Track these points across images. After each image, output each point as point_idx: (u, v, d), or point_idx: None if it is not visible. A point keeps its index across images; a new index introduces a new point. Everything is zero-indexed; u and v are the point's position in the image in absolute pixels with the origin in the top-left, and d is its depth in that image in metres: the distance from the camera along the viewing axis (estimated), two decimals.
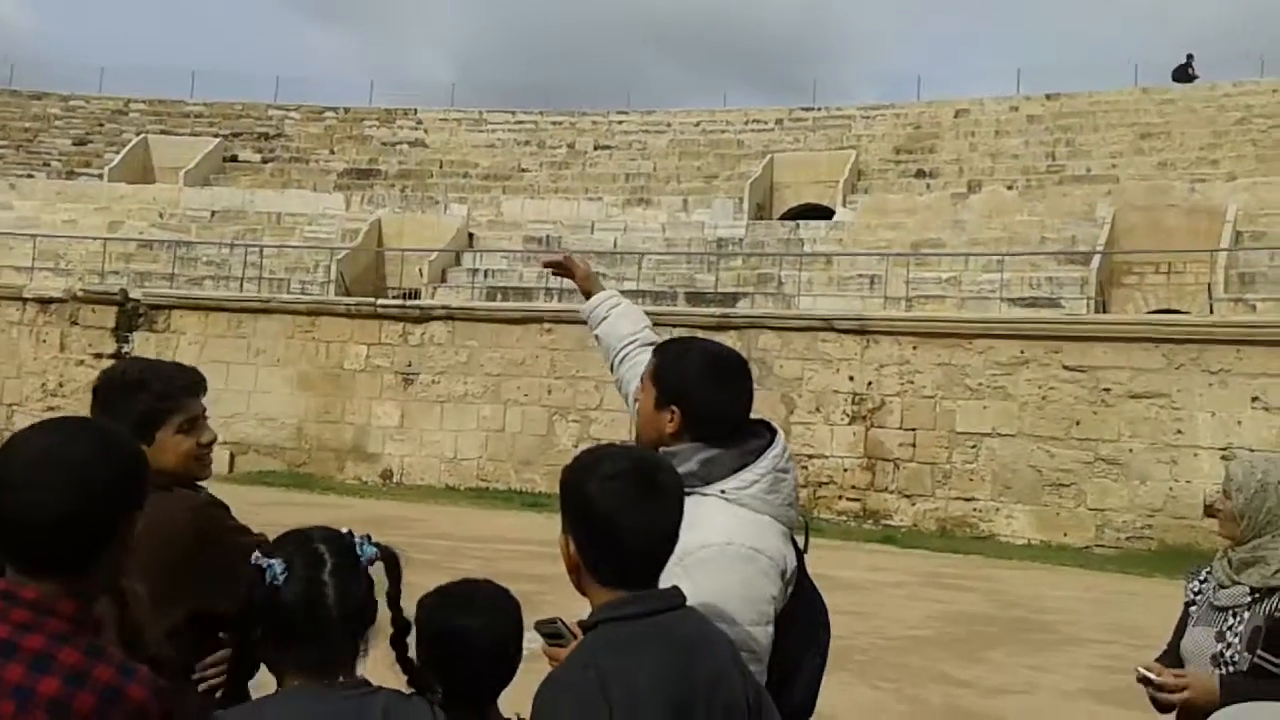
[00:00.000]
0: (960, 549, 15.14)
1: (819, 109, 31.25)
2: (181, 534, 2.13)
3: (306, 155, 31.09)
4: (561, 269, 3.06)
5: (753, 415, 2.37)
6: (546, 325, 19.32)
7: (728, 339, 18.62)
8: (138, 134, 31.12)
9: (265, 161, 30.80)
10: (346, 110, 33.19)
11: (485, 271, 22.94)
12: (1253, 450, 12.90)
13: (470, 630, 2.07)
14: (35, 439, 1.53)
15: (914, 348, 17.33)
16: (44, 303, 21.32)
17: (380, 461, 19.92)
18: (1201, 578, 2.95)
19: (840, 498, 17.55)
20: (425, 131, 31.98)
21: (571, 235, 24.45)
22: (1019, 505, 16.31)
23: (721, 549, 2.13)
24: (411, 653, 1.80)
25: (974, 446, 16.72)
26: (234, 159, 30.79)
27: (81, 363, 21.15)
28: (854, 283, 20.63)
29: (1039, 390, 16.36)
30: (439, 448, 19.53)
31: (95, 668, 1.46)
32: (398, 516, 15.19)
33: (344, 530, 1.74)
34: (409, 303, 20.86)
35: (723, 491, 2.20)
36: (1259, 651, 2.64)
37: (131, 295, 21.36)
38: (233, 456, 20.46)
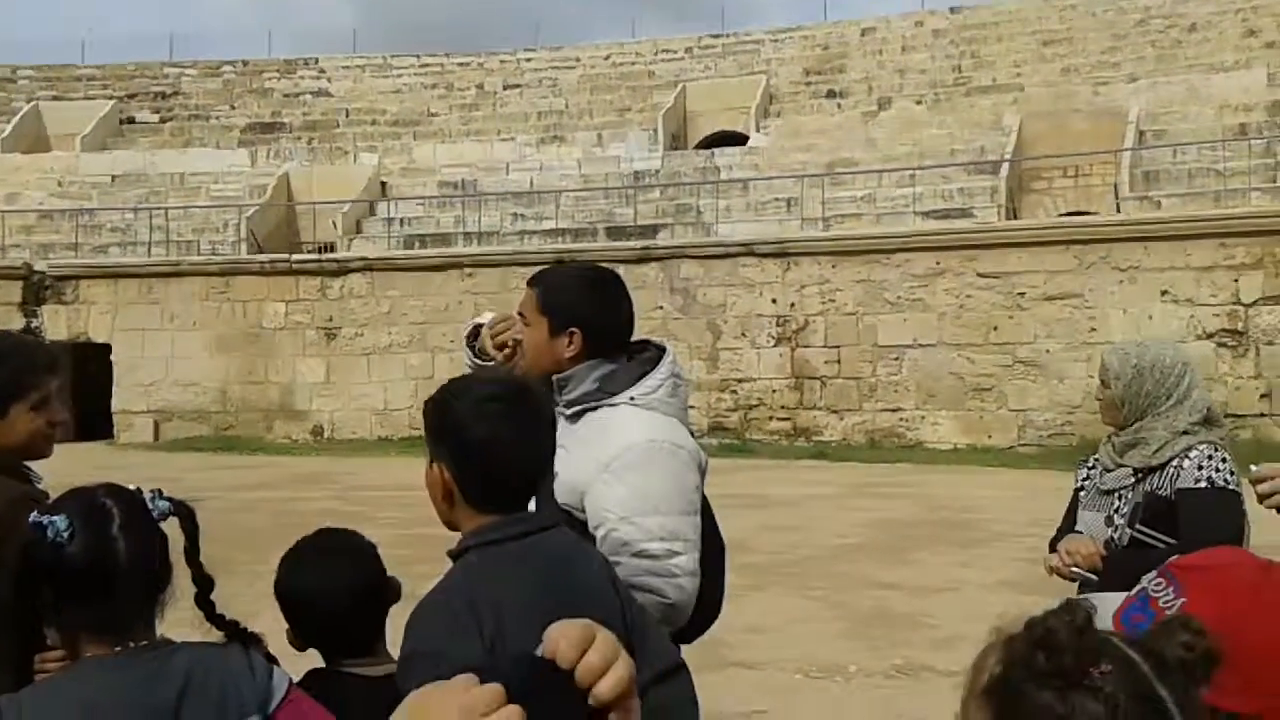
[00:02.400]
0: (889, 459, 15.49)
1: (728, 35, 31.08)
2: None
3: (206, 112, 30.15)
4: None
5: (663, 341, 2.46)
6: (467, 270, 19.14)
7: (650, 270, 18.69)
8: (28, 101, 29.89)
9: (164, 121, 29.82)
10: (245, 63, 32.21)
11: (401, 220, 22.61)
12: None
13: (316, 587, 2.08)
14: None
15: (833, 267, 17.51)
16: None
17: (309, 419, 19.70)
18: (1090, 464, 3.04)
19: (771, 418, 17.79)
20: (329, 81, 31.20)
21: (486, 177, 24.16)
22: (943, 412, 16.68)
23: (646, 446, 2.19)
24: (222, 609, 1.71)
25: (897, 359, 17.03)
26: (131, 121, 29.75)
27: None
28: (771, 207, 20.72)
29: (956, 299, 16.66)
30: (368, 400, 19.36)
31: None
32: (326, 472, 15.08)
33: (133, 487, 1.66)
34: (325, 256, 20.50)
35: (631, 399, 2.26)
36: (1137, 525, 2.75)
37: (36, 268, 20.70)
38: (157, 424, 20.08)
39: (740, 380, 17.97)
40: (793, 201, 20.31)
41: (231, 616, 1.69)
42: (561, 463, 2.22)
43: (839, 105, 25.86)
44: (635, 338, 2.42)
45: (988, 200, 19.41)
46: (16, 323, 20.50)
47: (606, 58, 31.02)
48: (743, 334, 18.05)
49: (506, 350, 2.50)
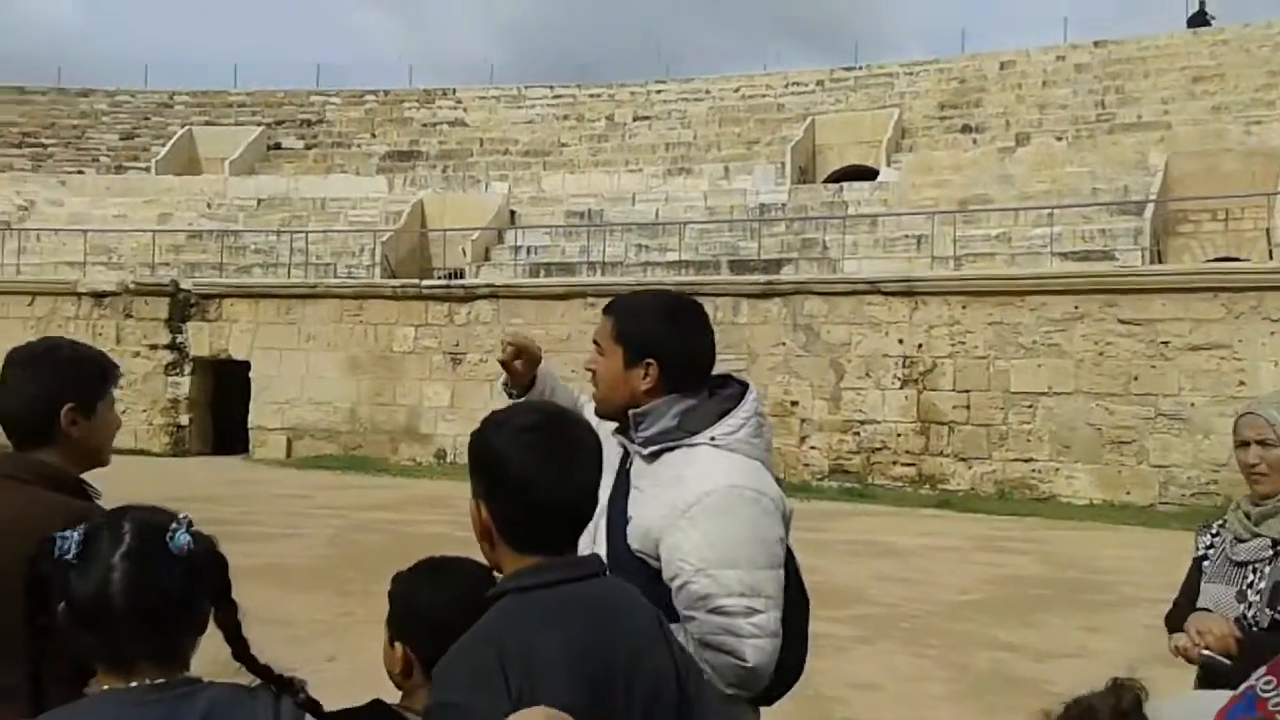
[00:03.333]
0: (1019, 511, 14.89)
1: (860, 68, 30.75)
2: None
3: (348, 140, 31.26)
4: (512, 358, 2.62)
5: (745, 377, 2.30)
6: (590, 300, 19.23)
7: (773, 306, 18.50)
8: (183, 126, 31.47)
9: (308, 148, 31.01)
10: (387, 93, 33.29)
11: (528, 248, 22.93)
12: None
13: (435, 606, 1.96)
14: None
15: (964, 307, 17.02)
16: (98, 297, 21.69)
17: (433, 442, 20.05)
18: (1214, 531, 2.79)
19: (894, 463, 17.35)
20: (465, 111, 31.99)
21: (613, 208, 24.35)
22: (1079, 465, 15.99)
23: (727, 492, 2.04)
24: (255, 650, 1.59)
25: (1030, 406, 16.42)
26: (277, 146, 31.04)
27: (138, 354, 21.50)
28: (900, 244, 20.32)
29: (1095, 346, 15.99)
30: None
31: None
32: (446, 496, 15.27)
33: (180, 515, 1.55)
34: (453, 283, 20.92)
35: (713, 439, 2.11)
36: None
37: (183, 286, 21.65)
38: (290, 441, 20.73)
39: (863, 422, 17.59)
40: (923, 239, 19.86)
41: (265, 660, 1.59)
42: (635, 504, 2.12)
43: (974, 140, 25.26)
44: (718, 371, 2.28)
45: (1131, 242, 18.64)
46: (163, 338, 21.50)
47: (736, 90, 31.03)
48: (867, 374, 17.68)
49: (510, 349, 2.48)
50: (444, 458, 19.83)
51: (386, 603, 2.14)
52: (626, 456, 2.24)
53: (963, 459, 16.78)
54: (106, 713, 1.43)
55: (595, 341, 2.27)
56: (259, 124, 31.48)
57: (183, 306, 21.57)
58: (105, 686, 1.47)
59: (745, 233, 22.06)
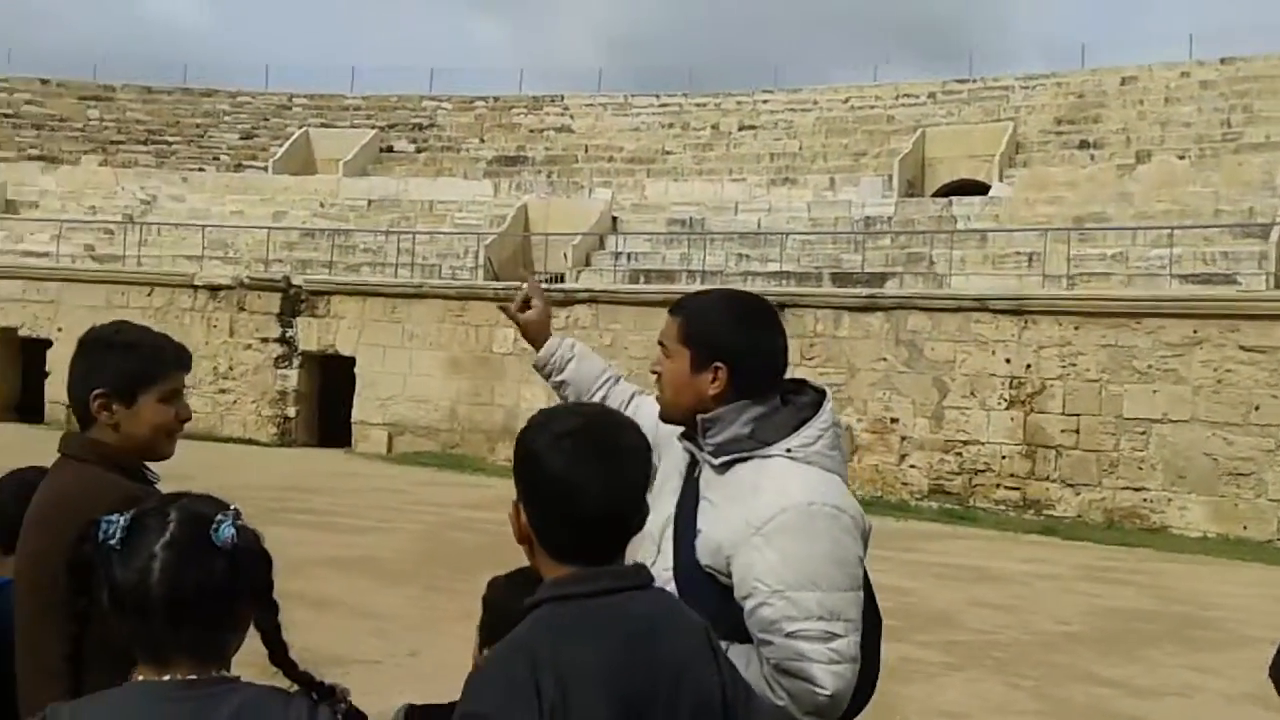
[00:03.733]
0: (1129, 542, 14.34)
1: (975, 80, 30.09)
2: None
3: (458, 144, 31.78)
4: (524, 322, 2.69)
5: (820, 384, 2.20)
6: None
7: (875, 320, 18.18)
8: (300, 127, 32.38)
9: (419, 151, 31.63)
10: (496, 99, 33.76)
11: (629, 255, 22.97)
12: None
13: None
14: None
15: (1076, 328, 16.49)
16: (214, 290, 22.42)
17: None
18: None
19: (998, 486, 16.88)
20: (571, 117, 32.25)
21: (715, 217, 24.25)
22: (1193, 496, 15.34)
23: (805, 509, 1.92)
24: (294, 654, 1.55)
25: (1143, 433, 15.81)
26: (390, 149, 31.72)
27: (249, 347, 22.17)
28: (1010, 261, 19.79)
29: (1214, 373, 15.33)
30: None
31: None
32: None
33: (231, 505, 1.51)
34: (554, 286, 21.06)
35: (788, 450, 2.00)
36: None
37: (294, 282, 22.24)
38: (390, 437, 21.12)
39: (966, 442, 17.16)
40: (1034, 256, 19.30)
41: (304, 667, 1.54)
42: (705, 517, 2.02)
43: (1092, 156, 24.49)
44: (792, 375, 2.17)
45: (1255, 266, 17.81)
46: (274, 331, 22.11)
47: (845, 100, 30.66)
48: (972, 393, 17.25)
49: (514, 306, 2.51)
50: None
51: (473, 600, 2.10)
52: (695, 465, 2.13)
53: (1070, 485, 16.24)
54: (134, 704, 1.40)
55: (660, 343, 2.16)
56: (373, 127, 32.22)
57: (293, 302, 22.15)
58: (141, 678, 1.43)
59: (849, 245, 21.74)
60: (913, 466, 17.52)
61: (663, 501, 2.12)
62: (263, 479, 16.02)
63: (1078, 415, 16.29)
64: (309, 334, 21.96)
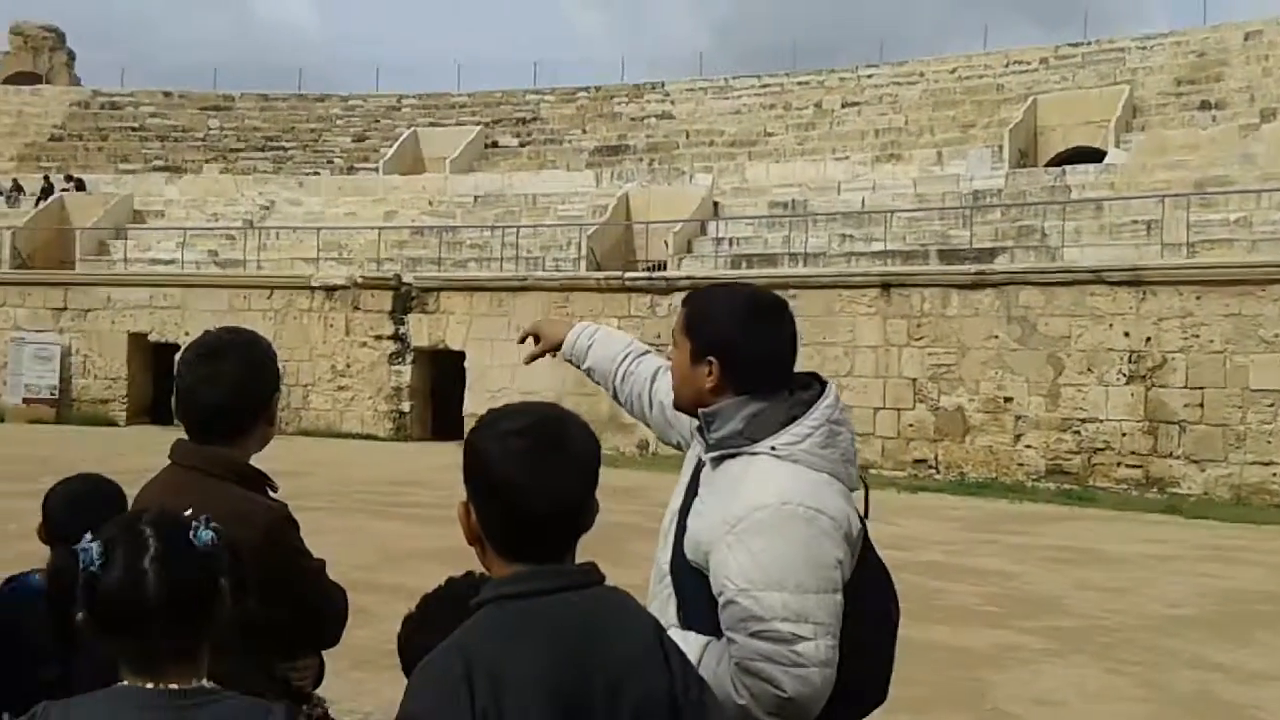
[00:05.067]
0: (1257, 519, 13.66)
1: (1089, 43, 28.95)
2: (253, 539, 2.05)
3: (560, 136, 32.05)
4: (537, 345, 2.74)
5: (827, 378, 2.14)
6: (791, 291, 18.88)
7: (985, 297, 17.70)
8: (409, 127, 33.11)
9: (523, 145, 32.01)
10: (598, 89, 33.94)
11: (730, 240, 22.84)
12: None
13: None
14: None
15: (1198, 298, 15.78)
16: (329, 290, 23.12)
17: (636, 433, 20.28)
18: None
19: (1119, 465, 16.29)
20: (672, 104, 32.19)
21: (817, 197, 23.91)
22: None
23: (777, 510, 1.89)
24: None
25: (1271, 405, 15.06)
26: (495, 145, 32.19)
27: (364, 344, 22.82)
28: (1127, 230, 19.01)
29: None
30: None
31: None
32: (643, 487, 15.39)
33: (185, 513, 1.58)
34: (655, 275, 21.09)
35: (773, 448, 1.96)
36: None
37: (405, 280, 22.78)
38: None
39: (1084, 420, 16.59)
40: (1153, 224, 18.51)
41: (282, 673, 1.58)
42: (694, 512, 2.01)
43: (1213, 118, 23.32)
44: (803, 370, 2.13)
45: None
46: (387, 329, 22.70)
47: (952, 71, 29.85)
48: (1089, 369, 16.66)
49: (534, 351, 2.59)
50: (646, 449, 20.04)
51: None
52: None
53: (1195, 461, 15.56)
54: (118, 709, 1.45)
55: (672, 334, 2.18)
56: (478, 124, 32.74)
57: (405, 299, 22.70)
58: (127, 682, 1.49)
59: (957, 220, 21.18)
60: (1028, 447, 17.03)
61: (677, 492, 2.13)
62: (375, 473, 16.49)
63: (1201, 389, 15.59)
64: (420, 330, 22.47)
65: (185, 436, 2.28)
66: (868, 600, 1.98)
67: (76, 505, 2.53)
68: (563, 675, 1.47)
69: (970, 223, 20.51)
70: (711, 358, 2.04)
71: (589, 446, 1.61)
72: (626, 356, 2.59)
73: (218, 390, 2.20)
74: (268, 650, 1.74)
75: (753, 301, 2.11)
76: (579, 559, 1.62)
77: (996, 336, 17.37)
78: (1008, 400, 17.26)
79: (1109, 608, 8.15)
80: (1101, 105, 24.83)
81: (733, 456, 2.01)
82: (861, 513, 2.07)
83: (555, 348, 2.68)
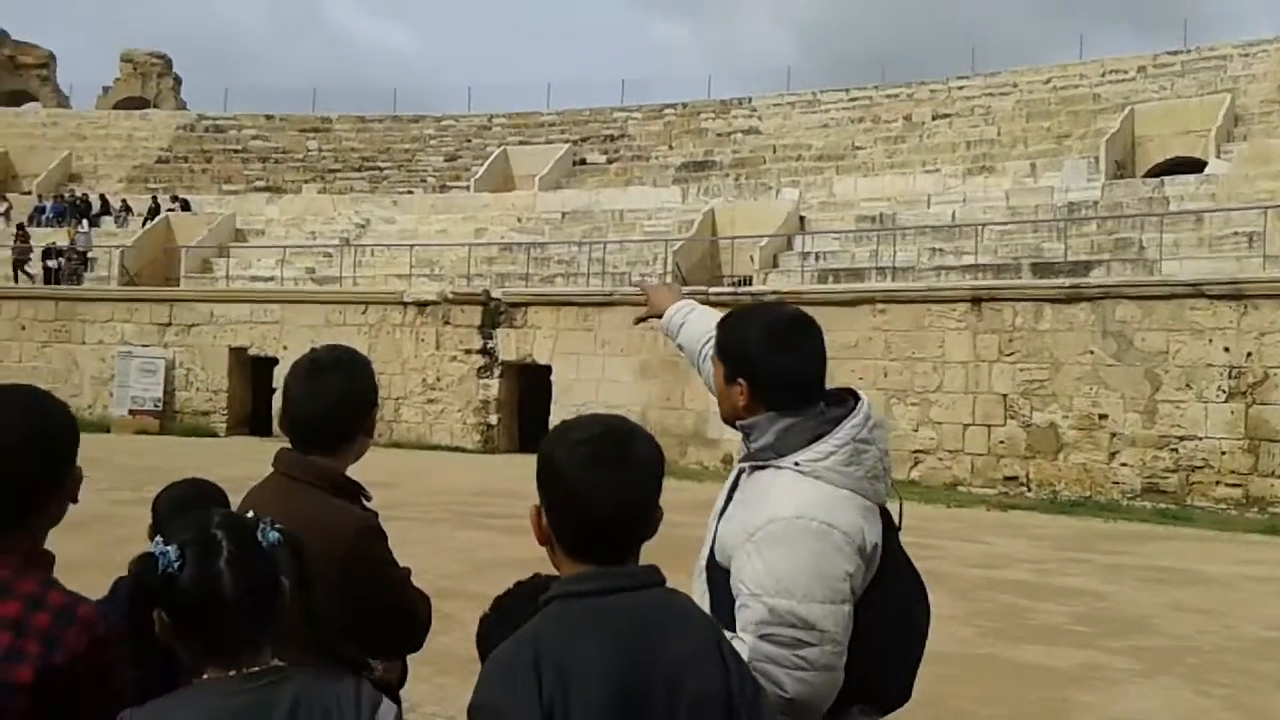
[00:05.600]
0: None
1: (1189, 51, 28.18)
2: (340, 547, 2.19)
3: (647, 153, 32.28)
4: (648, 308, 2.92)
5: (863, 395, 2.22)
6: (879, 306, 18.83)
7: (1079, 311, 17.32)
8: (499, 146, 33.69)
9: (610, 162, 32.32)
10: (684, 105, 34.12)
11: (816, 254, 22.72)
12: None
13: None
14: None
15: None
16: (421, 305, 23.62)
17: (720, 447, 20.28)
18: None
19: (1217, 484, 15.77)
20: (759, 119, 32.19)
21: (906, 211, 23.66)
22: None
23: (790, 523, 2.01)
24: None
25: None
26: (582, 162, 32.56)
27: (454, 358, 23.23)
28: (1229, 243, 18.42)
29: None
30: None
31: (49, 594, 1.71)
32: None
33: (249, 515, 1.71)
34: (740, 289, 21.08)
35: (796, 464, 2.07)
36: None
37: (494, 295, 23.16)
38: None
39: (1182, 438, 16.11)
40: (1255, 236, 17.92)
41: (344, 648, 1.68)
42: (726, 518, 2.14)
43: None
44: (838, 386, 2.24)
45: None
46: (476, 343, 23.09)
47: (1046, 81, 29.31)
48: (1187, 385, 16.18)
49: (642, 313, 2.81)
50: (730, 462, 20.03)
51: None
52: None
53: None
54: (204, 700, 1.58)
55: (713, 352, 2.32)
56: (566, 141, 33.16)
57: (493, 314, 23.07)
58: (207, 675, 1.62)
59: (1051, 233, 20.76)
60: (1124, 464, 16.59)
61: (720, 496, 2.25)
62: (462, 484, 16.77)
63: None
64: (508, 344, 22.80)
65: (288, 446, 2.41)
66: (889, 603, 2.07)
67: (184, 507, 2.68)
68: (624, 669, 1.57)
69: (1065, 235, 20.08)
70: (741, 379, 2.16)
71: (652, 457, 1.73)
72: (712, 337, 2.70)
73: (321, 404, 2.35)
74: (349, 650, 1.87)
75: (772, 326, 2.20)
76: (644, 564, 1.73)
77: (1091, 352, 16.98)
78: (1102, 417, 16.84)
79: (1202, 629, 7.91)
80: (1202, 114, 24.14)
81: (763, 468, 2.13)
82: (893, 524, 2.17)
83: (657, 315, 2.86)
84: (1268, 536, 13.39)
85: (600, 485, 1.65)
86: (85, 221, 30.20)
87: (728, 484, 2.26)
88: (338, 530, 2.18)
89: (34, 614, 1.67)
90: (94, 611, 1.72)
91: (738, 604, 2.02)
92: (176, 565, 1.60)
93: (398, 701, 1.78)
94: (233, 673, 1.60)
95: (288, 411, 2.41)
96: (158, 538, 1.66)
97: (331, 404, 2.35)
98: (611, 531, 1.68)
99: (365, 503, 2.39)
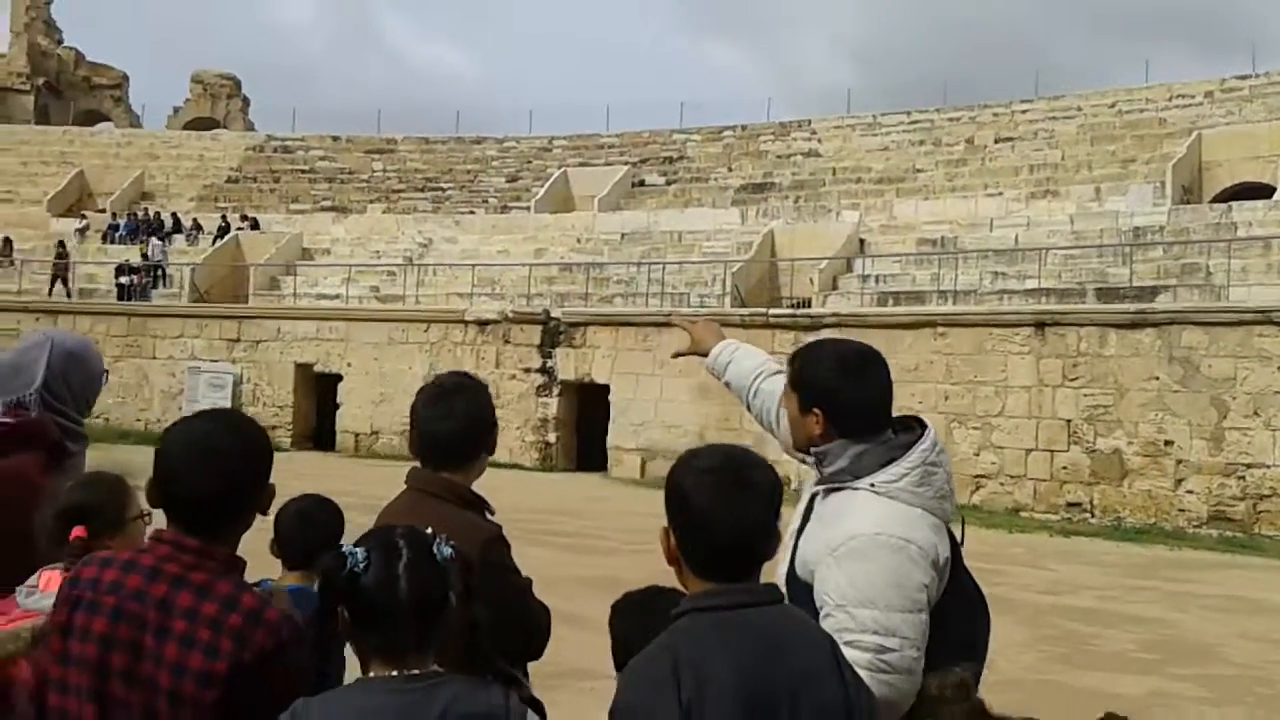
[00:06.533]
0: None
1: (1258, 75, 27.75)
2: (470, 555, 2.32)
3: (706, 174, 32.42)
4: (690, 345, 3.08)
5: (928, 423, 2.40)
6: (940, 329, 18.75)
7: (1145, 337, 17.13)
8: (559, 168, 34.05)
9: (669, 183, 32.50)
10: (744, 128, 34.24)
11: (876, 277, 22.67)
12: None
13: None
14: (188, 431, 1.99)
15: None
16: (482, 324, 23.95)
17: (778, 469, 20.28)
18: None
19: None
20: (819, 141, 32.20)
21: (968, 234, 23.53)
22: None
23: (871, 539, 2.17)
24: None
25: None
26: (641, 183, 32.79)
27: (514, 377, 23.49)
28: None
29: None
30: None
31: (242, 596, 1.90)
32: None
33: (428, 531, 1.89)
34: (799, 311, 21.11)
35: (872, 485, 2.25)
36: None
37: (553, 315, 23.41)
38: (644, 462, 21.77)
39: (1249, 466, 15.85)
40: None
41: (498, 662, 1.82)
42: (806, 536, 2.30)
43: None
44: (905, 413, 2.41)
45: None
46: (535, 362, 23.34)
47: (1111, 105, 29.01)
48: (1255, 413, 15.93)
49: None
50: (788, 484, 20.01)
51: None
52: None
53: None
54: (369, 695, 1.76)
55: (785, 385, 2.47)
56: (626, 163, 33.43)
57: (553, 333, 23.31)
58: (373, 674, 1.80)
59: (1116, 258, 20.53)
60: (1189, 492, 16.34)
61: (795, 515, 2.41)
62: (525, 502, 16.91)
63: None
64: (567, 364, 23.01)
65: (418, 465, 2.63)
66: (952, 628, 2.22)
67: (305, 520, 2.86)
68: (753, 679, 1.72)
69: (1130, 260, 19.87)
70: (817, 409, 2.32)
71: (770, 483, 1.89)
72: (760, 374, 2.86)
73: (447, 425, 2.56)
74: (504, 663, 2.03)
75: (843, 359, 2.38)
76: (764, 583, 1.90)
77: (1157, 378, 16.78)
78: (1168, 444, 16.62)
79: (1271, 659, 7.81)
80: (1271, 139, 23.76)
81: (838, 490, 2.28)
82: (957, 542, 2.33)
83: (700, 353, 3.01)
84: None
85: (723, 510, 1.81)
86: (158, 239, 30.99)
87: (802, 505, 2.41)
88: (467, 539, 2.34)
89: (229, 614, 1.85)
90: (279, 616, 1.91)
91: (822, 614, 2.16)
92: (363, 566, 1.78)
93: (543, 715, 1.94)
94: (395, 673, 1.77)
95: (417, 432, 2.60)
96: (346, 544, 1.85)
97: (457, 425, 2.55)
98: (734, 552, 1.83)
99: (489, 515, 2.56)
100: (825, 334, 19.86)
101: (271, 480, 2.05)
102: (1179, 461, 16.48)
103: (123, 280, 28.30)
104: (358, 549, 1.81)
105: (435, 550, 1.84)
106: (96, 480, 2.42)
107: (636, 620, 2.15)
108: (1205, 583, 11.41)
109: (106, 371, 3.04)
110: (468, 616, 1.92)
